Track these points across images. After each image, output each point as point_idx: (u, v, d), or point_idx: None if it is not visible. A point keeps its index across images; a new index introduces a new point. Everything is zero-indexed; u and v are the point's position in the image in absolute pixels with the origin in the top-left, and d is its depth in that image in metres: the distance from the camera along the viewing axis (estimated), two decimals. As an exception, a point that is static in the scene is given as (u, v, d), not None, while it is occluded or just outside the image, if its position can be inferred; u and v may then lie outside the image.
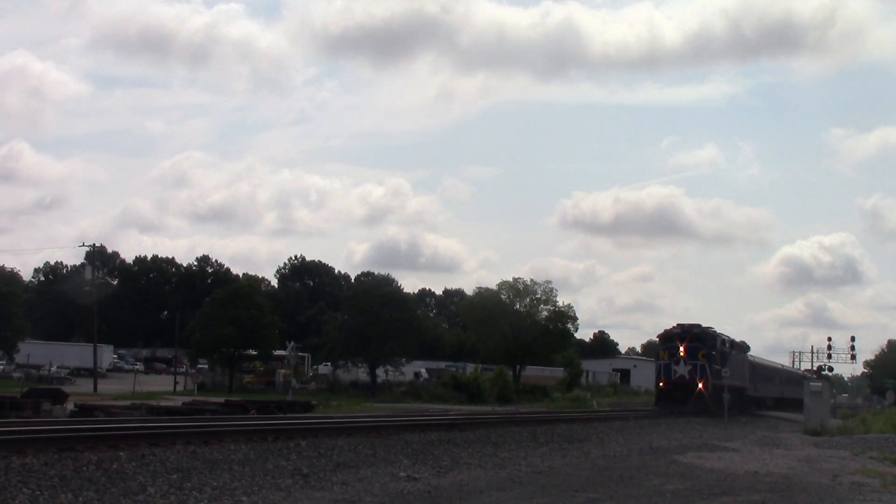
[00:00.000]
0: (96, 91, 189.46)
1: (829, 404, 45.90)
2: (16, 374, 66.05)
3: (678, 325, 45.46)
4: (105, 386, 59.23)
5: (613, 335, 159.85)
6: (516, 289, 75.29)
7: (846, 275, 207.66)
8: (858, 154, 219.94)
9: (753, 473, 17.67)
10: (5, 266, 78.38)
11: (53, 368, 68.76)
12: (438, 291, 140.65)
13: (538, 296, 76.04)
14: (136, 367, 78.86)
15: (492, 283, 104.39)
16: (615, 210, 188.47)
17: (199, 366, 74.72)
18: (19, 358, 73.35)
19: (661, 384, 44.80)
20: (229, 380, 65.27)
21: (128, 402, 33.40)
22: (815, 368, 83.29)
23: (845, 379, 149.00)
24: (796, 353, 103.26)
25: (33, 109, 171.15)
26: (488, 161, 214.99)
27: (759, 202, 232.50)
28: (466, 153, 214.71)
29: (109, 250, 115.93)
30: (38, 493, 9.96)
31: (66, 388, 40.94)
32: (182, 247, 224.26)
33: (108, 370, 79.55)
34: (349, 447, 16.27)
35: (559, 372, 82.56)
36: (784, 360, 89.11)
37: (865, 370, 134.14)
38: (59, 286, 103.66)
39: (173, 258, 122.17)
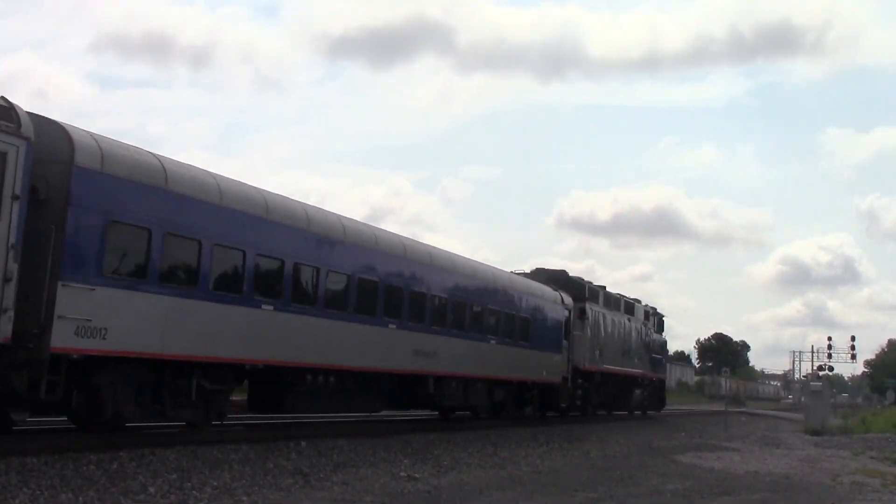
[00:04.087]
0: (99, 92, 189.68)
1: (829, 404, 45.92)
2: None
3: None
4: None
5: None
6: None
7: (844, 274, 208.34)
8: (856, 155, 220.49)
9: (753, 473, 17.67)
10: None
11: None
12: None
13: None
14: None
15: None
16: (614, 210, 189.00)
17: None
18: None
19: None
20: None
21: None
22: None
23: (845, 379, 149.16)
24: (796, 353, 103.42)
25: (37, 111, 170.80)
26: (488, 161, 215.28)
27: (757, 202, 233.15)
28: (466, 153, 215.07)
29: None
30: (38, 493, 9.94)
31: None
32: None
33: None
34: (349, 447, 16.28)
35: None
36: (784, 361, 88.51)
37: (865, 370, 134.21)
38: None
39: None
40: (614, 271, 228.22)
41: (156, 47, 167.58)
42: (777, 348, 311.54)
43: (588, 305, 33.25)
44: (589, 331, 33.13)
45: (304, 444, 15.91)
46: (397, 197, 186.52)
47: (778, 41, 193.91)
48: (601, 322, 34.90)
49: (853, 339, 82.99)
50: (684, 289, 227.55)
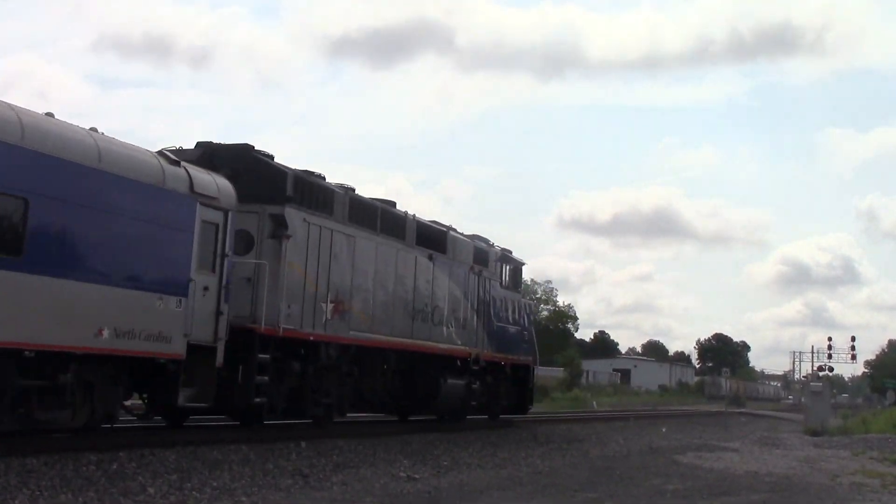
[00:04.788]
0: (99, 92, 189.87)
1: (829, 404, 45.90)
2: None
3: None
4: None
5: (613, 335, 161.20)
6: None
7: (844, 274, 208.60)
8: (856, 155, 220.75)
9: (753, 473, 17.67)
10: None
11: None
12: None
13: (538, 295, 76.15)
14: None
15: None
16: (614, 210, 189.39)
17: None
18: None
19: None
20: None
21: (128, 402, 33.35)
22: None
23: (845, 379, 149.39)
24: (796, 354, 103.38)
25: (38, 111, 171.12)
26: (488, 161, 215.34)
27: (757, 202, 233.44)
28: (466, 153, 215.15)
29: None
30: (38, 493, 9.94)
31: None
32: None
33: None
34: (349, 447, 16.28)
35: (559, 372, 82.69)
36: (784, 361, 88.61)
37: (866, 370, 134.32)
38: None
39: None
40: (614, 271, 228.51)
41: (156, 47, 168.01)
42: (777, 349, 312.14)
43: (297, 213, 16.97)
44: (297, 262, 16.99)
45: (304, 444, 15.90)
46: (397, 197, 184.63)
47: (778, 41, 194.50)
48: (341, 250, 18.32)
49: (853, 339, 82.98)
50: (684, 289, 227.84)
